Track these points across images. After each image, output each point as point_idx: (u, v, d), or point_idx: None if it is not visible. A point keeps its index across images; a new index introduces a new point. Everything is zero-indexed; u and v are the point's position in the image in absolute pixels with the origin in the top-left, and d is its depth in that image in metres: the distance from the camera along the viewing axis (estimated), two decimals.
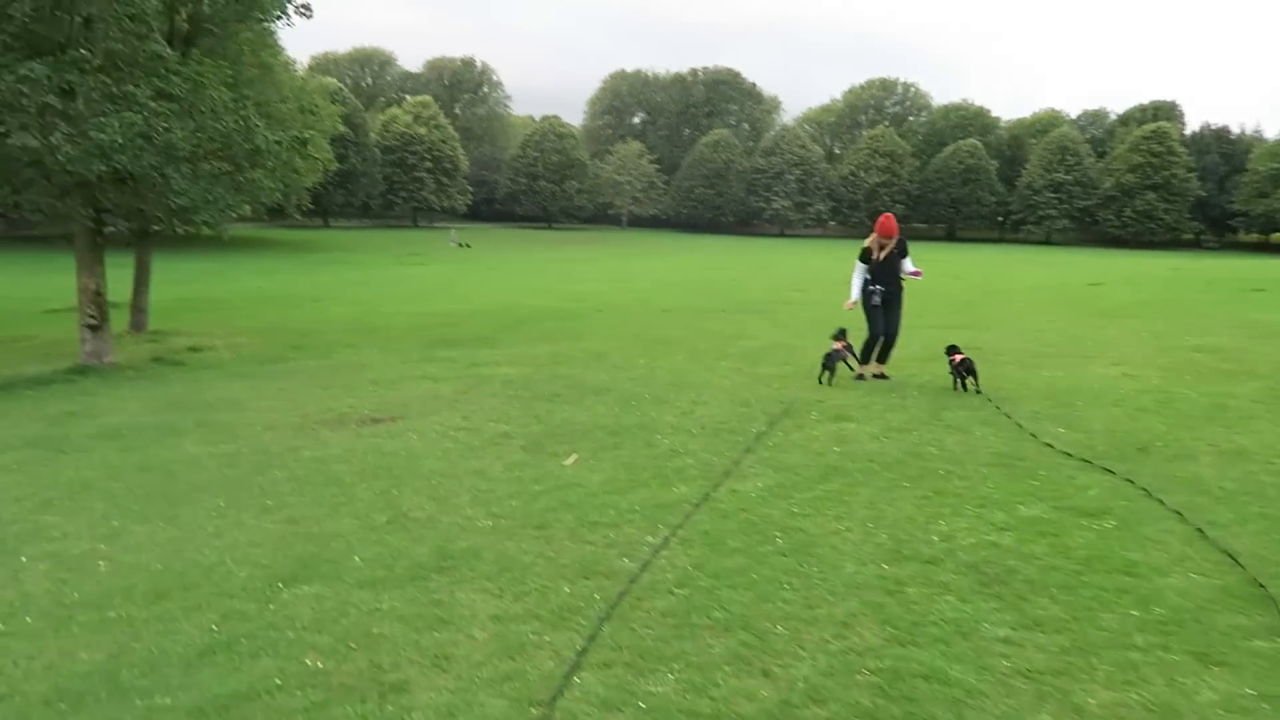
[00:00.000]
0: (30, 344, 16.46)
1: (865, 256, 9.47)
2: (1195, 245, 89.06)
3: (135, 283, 18.49)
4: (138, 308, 18.17)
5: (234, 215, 16.51)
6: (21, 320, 21.56)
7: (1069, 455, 6.18)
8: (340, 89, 76.49)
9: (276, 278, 37.18)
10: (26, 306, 24.65)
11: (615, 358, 11.60)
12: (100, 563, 4.58)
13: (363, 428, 7.77)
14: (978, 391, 8.62)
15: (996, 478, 5.70)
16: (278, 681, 3.27)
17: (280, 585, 4.19)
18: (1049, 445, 6.47)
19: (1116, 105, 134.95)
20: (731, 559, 4.39)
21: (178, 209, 11.70)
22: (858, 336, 9.59)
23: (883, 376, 9.53)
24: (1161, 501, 5.12)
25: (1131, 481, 5.53)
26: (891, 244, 9.47)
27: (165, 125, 11.07)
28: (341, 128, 61.90)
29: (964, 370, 8.84)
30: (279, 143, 12.31)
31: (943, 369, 9.23)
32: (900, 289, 9.60)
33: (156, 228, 15.32)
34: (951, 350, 9.16)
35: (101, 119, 10.46)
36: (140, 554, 4.71)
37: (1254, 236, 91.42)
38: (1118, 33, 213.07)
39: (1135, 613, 3.71)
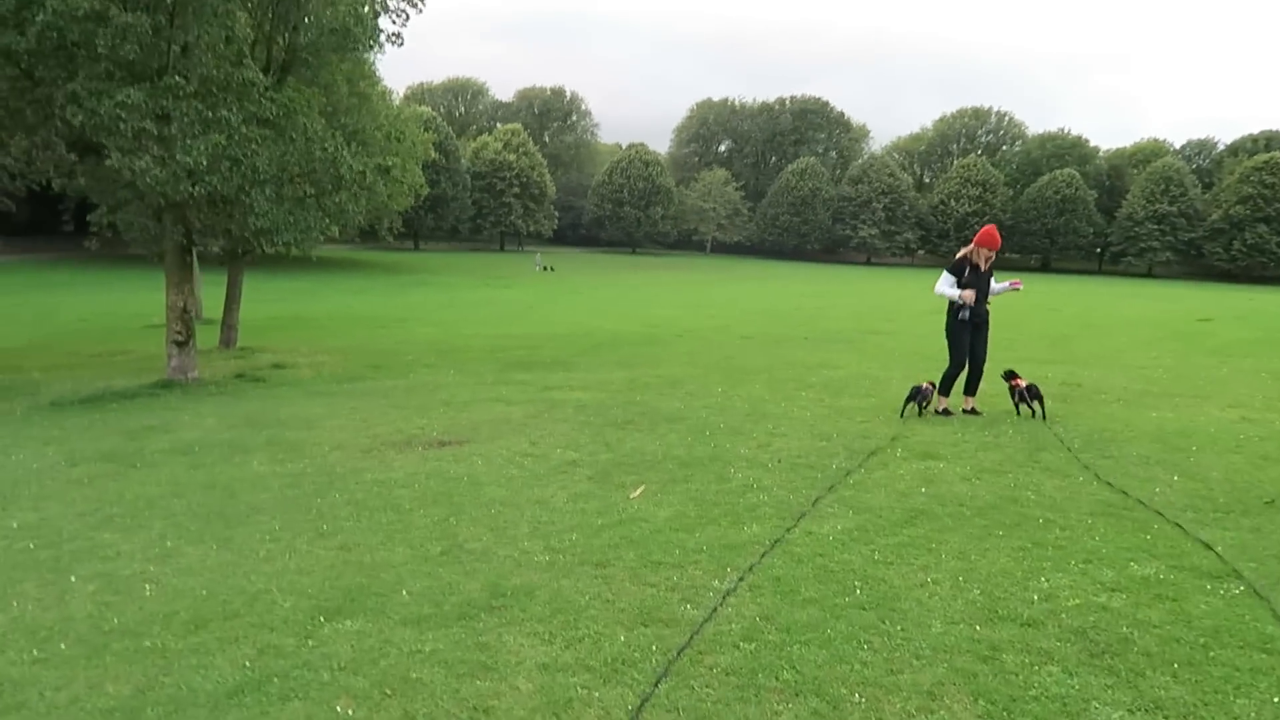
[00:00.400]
0: (126, 358, 17.00)
1: (958, 268, 8.80)
2: None
3: (226, 300, 19.00)
4: (228, 324, 18.63)
5: (320, 237, 16.83)
6: (122, 335, 22.41)
7: (1187, 509, 5.60)
8: (433, 117, 78.67)
9: (366, 298, 38.03)
10: (129, 322, 25.65)
11: (691, 385, 11.28)
12: (147, 586, 4.44)
13: (429, 450, 7.60)
14: (1043, 418, 8.54)
15: (1103, 529, 5.17)
16: None
17: (323, 619, 3.97)
18: (1141, 501, 5.89)
19: (1224, 135, 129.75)
20: (805, 611, 4.00)
21: (261, 230, 11.87)
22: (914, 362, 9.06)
23: (974, 412, 8.96)
24: None
25: (1259, 539, 4.94)
26: (992, 259, 8.86)
27: (253, 149, 11.26)
28: (433, 154, 63.91)
29: (1029, 395, 8.66)
30: (362, 171, 12.42)
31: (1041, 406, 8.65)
32: (988, 312, 8.98)
33: (244, 249, 15.66)
34: (1010, 376, 8.96)
35: (189, 142, 10.68)
36: (188, 578, 4.56)
37: None
38: (1224, 61, 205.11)
39: (1277, 699, 3.20)
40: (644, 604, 4.09)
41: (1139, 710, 3.13)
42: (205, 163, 10.75)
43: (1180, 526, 5.19)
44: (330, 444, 7.95)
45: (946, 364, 9.05)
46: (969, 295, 8.69)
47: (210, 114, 11.13)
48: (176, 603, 4.21)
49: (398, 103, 70.53)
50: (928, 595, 4.20)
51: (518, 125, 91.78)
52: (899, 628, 3.83)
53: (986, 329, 8.99)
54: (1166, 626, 3.81)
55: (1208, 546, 4.83)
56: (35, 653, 3.70)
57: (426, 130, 68.37)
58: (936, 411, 8.91)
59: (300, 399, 11.01)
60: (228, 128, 11.06)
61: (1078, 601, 4.10)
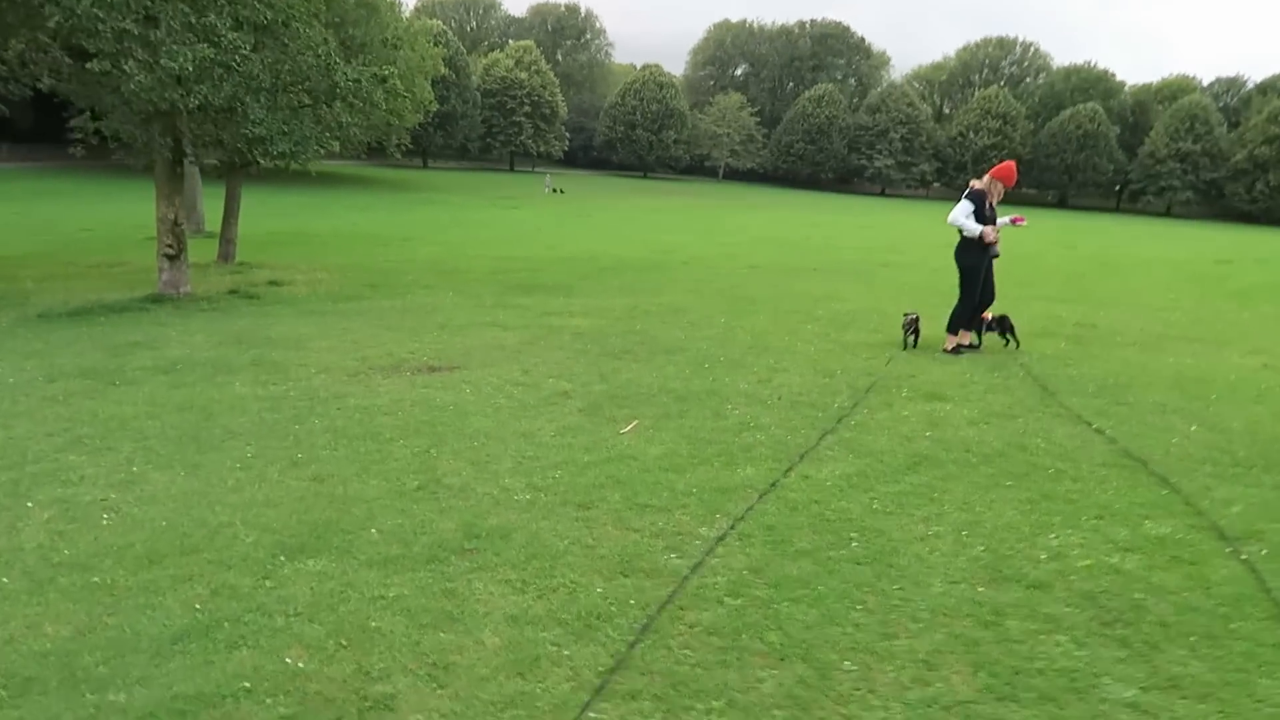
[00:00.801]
0: (122, 270, 16.66)
1: (978, 197, 8.48)
2: None
3: (225, 214, 18.58)
4: (226, 239, 18.25)
5: (320, 150, 16.30)
6: (122, 246, 22.02)
7: (1205, 462, 5.32)
8: (443, 31, 76.73)
9: (371, 215, 37.44)
10: (131, 233, 25.21)
11: (694, 314, 10.96)
12: (105, 515, 4.20)
13: (418, 376, 7.33)
14: (1017, 346, 8.80)
15: (1117, 482, 4.90)
16: (247, 685, 2.80)
17: (284, 558, 3.73)
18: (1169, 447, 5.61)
19: (1255, 73, 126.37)
20: (797, 564, 3.76)
21: (255, 139, 11.40)
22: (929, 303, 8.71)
23: (973, 347, 8.69)
24: None
25: None
26: (1001, 195, 8.56)
27: (243, 55, 10.73)
28: (443, 70, 62.58)
29: (1001, 326, 8.81)
30: (357, 80, 11.87)
31: (1052, 347, 8.34)
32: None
33: (241, 161, 15.18)
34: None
35: (175, 48, 10.15)
36: (150, 507, 4.32)
37: None
38: None
39: None
40: (626, 551, 3.84)
41: (1153, 688, 2.89)
42: (192, 70, 10.26)
43: (1198, 482, 4.91)
44: (317, 366, 7.68)
45: (956, 300, 8.73)
46: (993, 233, 8.35)
47: (196, 20, 10.58)
48: (133, 534, 3.98)
49: (407, 15, 68.81)
50: (928, 550, 3.95)
51: (530, 42, 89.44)
52: (896, 586, 3.58)
53: (992, 265, 8.70)
54: (1183, 594, 3.56)
55: (1228, 504, 4.56)
56: None
57: (436, 45, 67.10)
58: (945, 350, 8.61)
59: (292, 318, 10.71)
60: (215, 35, 10.52)
61: (1088, 562, 3.84)
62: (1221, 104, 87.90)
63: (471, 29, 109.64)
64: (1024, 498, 4.64)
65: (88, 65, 10.54)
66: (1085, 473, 5.05)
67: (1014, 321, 8.88)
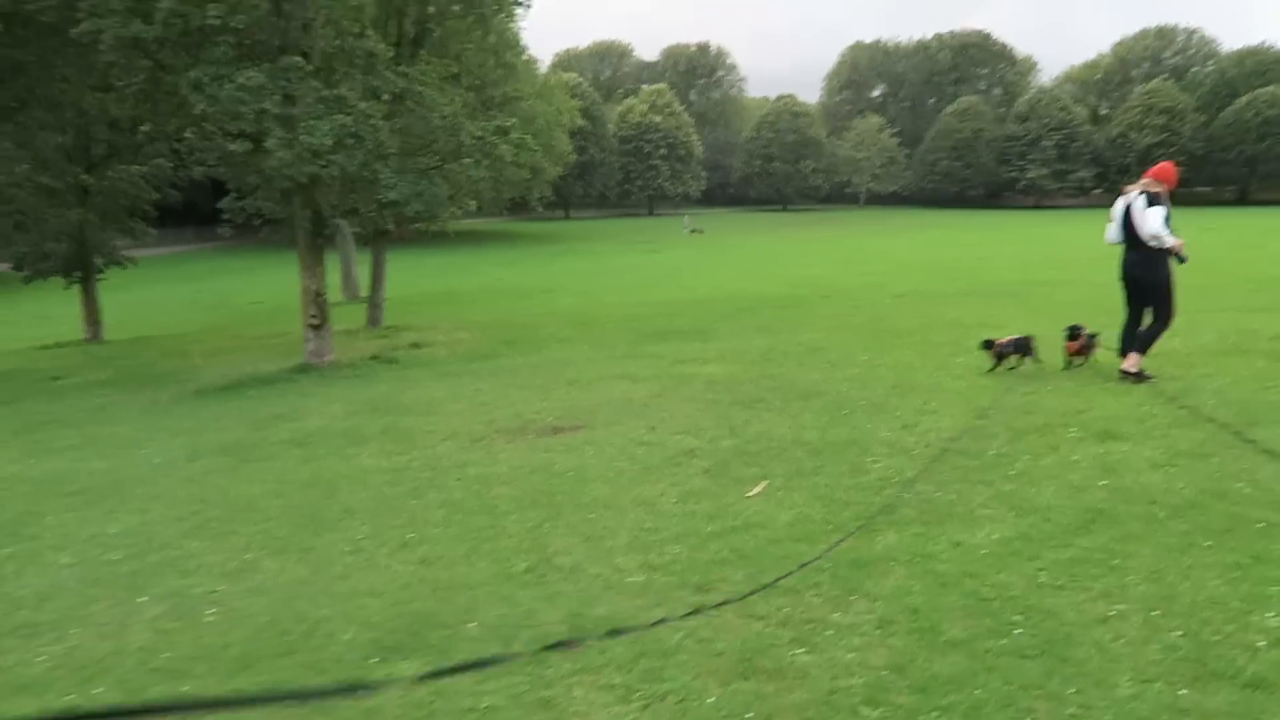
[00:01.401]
0: (280, 341, 17.52)
1: (1162, 201, 7.57)
2: None
3: (373, 280, 19.32)
4: (374, 304, 18.96)
5: (458, 210, 16.73)
6: (285, 317, 23.30)
7: None
8: (579, 83, 78.85)
9: (515, 269, 38.44)
10: (295, 302, 26.84)
11: (834, 353, 10.37)
12: (211, 610, 4.10)
13: (541, 439, 7.10)
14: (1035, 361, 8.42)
15: None
16: None
17: (376, 660, 3.48)
18: None
19: None
20: (948, 659, 3.19)
21: (388, 203, 11.72)
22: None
23: (1144, 376, 7.71)
24: None
25: None
26: None
27: (373, 124, 11.06)
28: (579, 121, 64.09)
29: (1023, 349, 8.45)
30: (480, 136, 12.05)
31: (1247, 367, 7.32)
32: None
33: (379, 227, 15.74)
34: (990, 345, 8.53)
35: (312, 122, 10.55)
36: (256, 598, 4.20)
37: None
38: None
39: None
40: (746, 646, 3.38)
41: None
42: (329, 142, 10.63)
43: None
44: (444, 432, 7.59)
45: (1126, 318, 7.87)
46: (1180, 245, 7.51)
47: (329, 92, 10.98)
48: (233, 633, 3.83)
49: (545, 71, 71.20)
50: (1111, 637, 3.29)
51: (663, 85, 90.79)
52: (1073, 689, 2.96)
53: None
54: None
55: None
56: (73, 697, 3.37)
57: (573, 97, 68.96)
58: (1126, 374, 7.68)
59: (427, 380, 10.81)
60: (347, 105, 10.88)
61: None
62: None
63: (606, 77, 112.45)
64: (1229, 561, 3.88)
65: (231, 146, 11.12)
66: None
67: (1093, 336, 8.41)
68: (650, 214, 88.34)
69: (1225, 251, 23.48)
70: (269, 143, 10.61)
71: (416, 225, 13.20)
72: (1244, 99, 78.53)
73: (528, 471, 6.09)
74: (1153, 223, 7.40)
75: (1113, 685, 2.97)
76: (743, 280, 25.67)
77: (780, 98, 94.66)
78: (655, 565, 4.25)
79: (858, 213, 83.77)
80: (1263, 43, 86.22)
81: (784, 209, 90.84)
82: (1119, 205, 7.79)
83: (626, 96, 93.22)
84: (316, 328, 12.48)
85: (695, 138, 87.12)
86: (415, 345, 14.57)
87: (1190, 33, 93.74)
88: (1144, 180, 7.69)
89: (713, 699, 3.03)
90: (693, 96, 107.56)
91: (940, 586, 3.80)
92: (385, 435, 7.68)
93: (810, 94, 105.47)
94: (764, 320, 14.71)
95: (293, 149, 10.68)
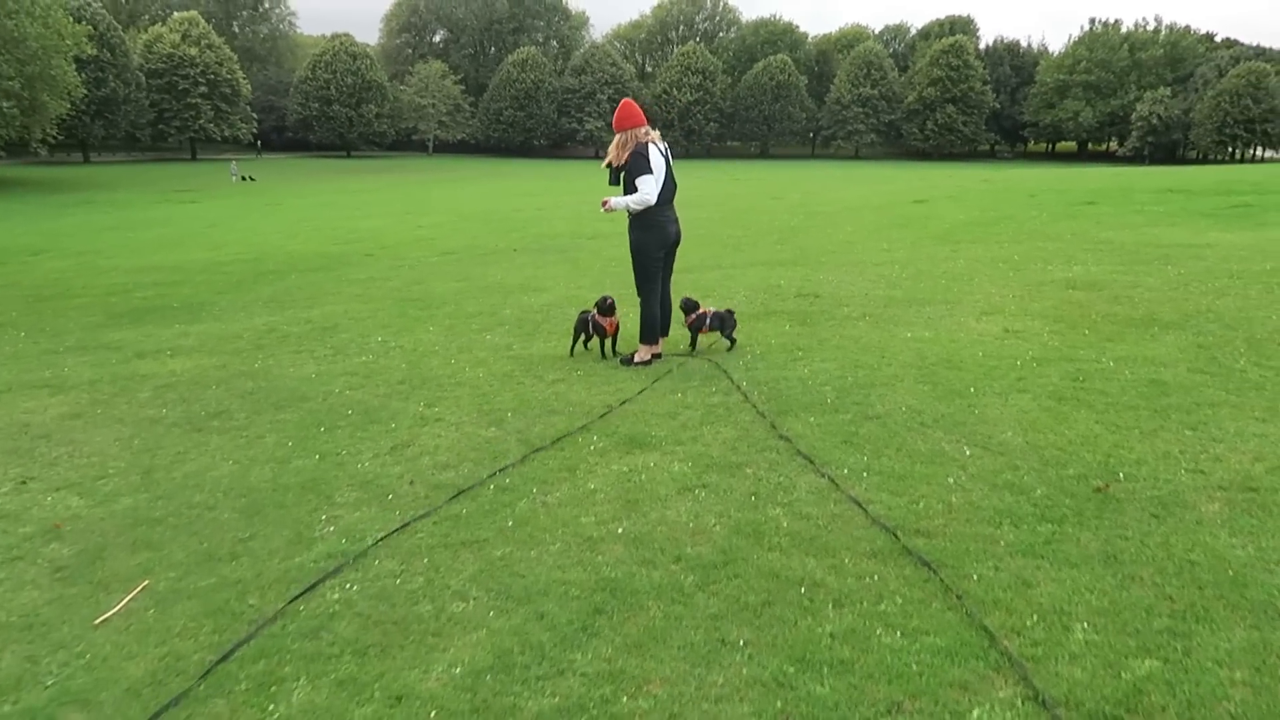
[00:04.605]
0: None
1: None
2: (991, 155, 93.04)
3: None
4: None
5: None
6: None
7: (999, 516, 3.73)
8: (88, 4, 66.63)
9: (1, 225, 30.89)
10: None
11: (346, 333, 8.51)
12: None
13: None
14: (730, 346, 6.95)
15: (899, 596, 3.16)
16: None
17: None
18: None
19: (915, 19, 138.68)
20: None
21: None
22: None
23: (658, 356, 6.87)
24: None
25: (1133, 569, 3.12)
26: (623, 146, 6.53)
27: None
28: (89, 49, 53.82)
29: (723, 325, 6.91)
30: None
31: (776, 331, 6.76)
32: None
33: None
34: (691, 306, 6.95)
35: None
36: None
37: (1042, 146, 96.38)
38: None
39: None
40: None
41: None
42: None
43: (1006, 577, 3.27)
44: None
45: (658, 291, 6.92)
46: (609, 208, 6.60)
47: None
48: None
49: None
50: None
51: (194, 13, 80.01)
52: None
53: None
54: None
55: (1063, 626, 2.92)
56: None
57: (79, 21, 57.68)
58: (635, 362, 6.70)
59: None
60: None
61: None
62: (891, 50, 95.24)
63: (127, 1, 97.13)
64: (770, 674, 2.75)
65: None
66: (851, 587, 3.25)
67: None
68: (193, 159, 78.16)
69: (754, 204, 25.19)
70: None
71: None
72: (760, 64, 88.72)
73: None
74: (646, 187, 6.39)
75: None
76: (284, 237, 22.49)
77: (336, 36, 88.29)
78: None
79: (425, 160, 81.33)
80: (773, 15, 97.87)
81: (349, 155, 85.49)
82: (658, 152, 6.45)
83: (153, 24, 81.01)
84: None
85: (241, 75, 78.22)
86: None
87: (716, 1, 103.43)
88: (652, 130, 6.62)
89: None
90: (236, 28, 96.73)
91: None
92: None
93: (368, 36, 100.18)
94: (281, 289, 12.33)
95: None
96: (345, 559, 3.62)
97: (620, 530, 3.78)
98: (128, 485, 4.64)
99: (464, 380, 6.47)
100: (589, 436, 5.04)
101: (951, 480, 4.14)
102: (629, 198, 6.42)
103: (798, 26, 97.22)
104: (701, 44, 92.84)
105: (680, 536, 3.69)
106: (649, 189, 6.33)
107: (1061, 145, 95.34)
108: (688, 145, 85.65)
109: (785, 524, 3.76)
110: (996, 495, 3.96)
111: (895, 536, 3.58)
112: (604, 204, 6.53)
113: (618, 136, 6.46)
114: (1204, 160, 74.83)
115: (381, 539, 3.79)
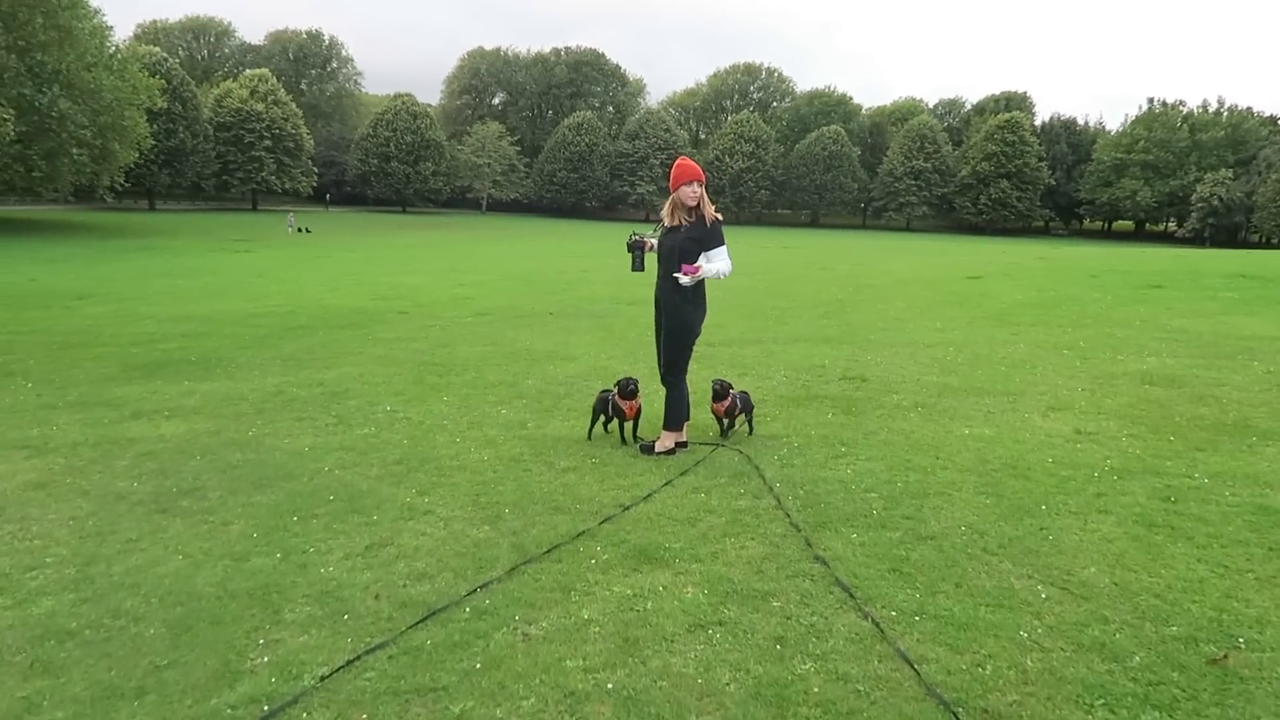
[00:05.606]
0: None
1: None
2: (1045, 232, 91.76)
3: None
4: None
5: None
6: None
7: (1095, 693, 2.95)
8: (164, 59, 69.13)
9: (60, 268, 31.30)
10: None
11: (356, 398, 7.95)
12: None
13: None
14: (750, 432, 6.36)
15: None
16: None
17: None
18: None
19: (971, 95, 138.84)
20: None
21: None
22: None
23: (683, 445, 6.17)
24: None
25: None
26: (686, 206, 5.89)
27: None
28: (160, 101, 55.43)
29: (745, 409, 6.34)
30: None
31: (817, 420, 6.03)
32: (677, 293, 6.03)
33: None
34: (723, 388, 6.27)
35: None
36: None
37: (1098, 224, 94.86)
38: (964, 25, 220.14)
39: None
40: None
41: None
42: None
43: None
44: None
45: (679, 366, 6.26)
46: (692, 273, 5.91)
47: None
48: None
49: (125, 42, 61.08)
50: None
51: (265, 71, 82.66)
52: None
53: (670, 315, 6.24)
54: None
55: None
56: None
57: (154, 75, 59.55)
58: (658, 452, 6.00)
59: None
60: None
61: None
62: (945, 124, 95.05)
63: (203, 58, 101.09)
64: None
65: None
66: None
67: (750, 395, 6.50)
68: (254, 209, 79.99)
69: (800, 273, 24.57)
70: None
71: None
72: (814, 134, 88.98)
73: None
74: (723, 262, 5.92)
75: None
76: (324, 290, 22.33)
77: (398, 96, 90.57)
78: None
79: (478, 218, 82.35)
80: (827, 86, 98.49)
81: (404, 211, 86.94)
82: None
83: (226, 80, 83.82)
84: None
85: (304, 130, 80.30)
86: None
87: (771, 71, 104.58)
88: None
89: None
90: (303, 87, 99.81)
91: None
92: None
93: (429, 96, 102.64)
94: (303, 347, 11.88)
95: None
96: (269, 708, 2.94)
97: (611, 685, 3.06)
98: (58, 581, 4.03)
99: (466, 463, 5.83)
100: (592, 545, 4.34)
101: (1025, 635, 3.36)
102: (716, 266, 5.81)
103: (851, 98, 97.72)
104: (755, 113, 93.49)
105: (684, 699, 2.96)
106: (727, 262, 5.83)
107: (1118, 224, 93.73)
108: (738, 211, 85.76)
109: (816, 688, 3.01)
110: (1083, 660, 3.17)
111: (956, 717, 2.80)
112: (686, 270, 5.78)
113: (685, 189, 5.78)
114: (1267, 244, 72.78)
115: (321, 679, 3.11)
